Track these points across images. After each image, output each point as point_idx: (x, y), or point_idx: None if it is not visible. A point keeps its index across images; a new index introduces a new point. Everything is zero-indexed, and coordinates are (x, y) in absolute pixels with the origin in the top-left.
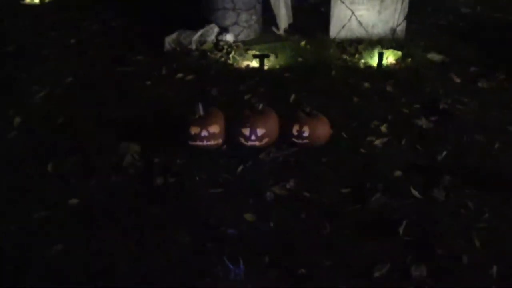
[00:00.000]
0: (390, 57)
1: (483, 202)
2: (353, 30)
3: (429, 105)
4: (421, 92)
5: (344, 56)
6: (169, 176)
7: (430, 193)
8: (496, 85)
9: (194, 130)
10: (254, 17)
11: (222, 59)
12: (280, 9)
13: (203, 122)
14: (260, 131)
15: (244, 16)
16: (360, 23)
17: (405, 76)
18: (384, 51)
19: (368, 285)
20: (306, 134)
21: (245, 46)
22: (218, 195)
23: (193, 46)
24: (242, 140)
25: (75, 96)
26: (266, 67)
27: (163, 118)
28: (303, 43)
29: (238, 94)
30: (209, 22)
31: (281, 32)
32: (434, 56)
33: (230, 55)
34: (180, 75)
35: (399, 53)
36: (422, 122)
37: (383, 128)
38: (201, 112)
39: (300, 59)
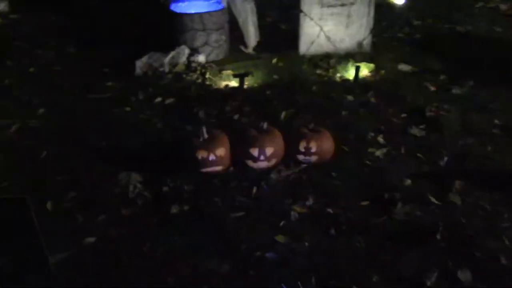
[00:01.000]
0: (364, 70)
1: (497, 203)
2: (322, 45)
3: (416, 113)
4: (403, 102)
5: (318, 71)
6: (183, 204)
7: (447, 198)
8: (468, 91)
9: (201, 154)
10: (223, 36)
11: (199, 81)
12: (249, 28)
13: (210, 146)
14: (268, 151)
15: (214, 36)
16: (328, 38)
17: (383, 87)
18: (359, 64)
19: None
20: (313, 150)
21: (218, 66)
22: (241, 219)
23: (166, 69)
24: (250, 161)
25: (53, 128)
26: (245, 86)
27: (154, 144)
28: (274, 60)
29: (225, 115)
30: (179, 43)
31: (250, 50)
32: (404, 67)
33: (206, 76)
34: (159, 99)
35: (372, 65)
36: (415, 131)
37: (380, 139)
38: (205, 135)
39: (275, 76)
